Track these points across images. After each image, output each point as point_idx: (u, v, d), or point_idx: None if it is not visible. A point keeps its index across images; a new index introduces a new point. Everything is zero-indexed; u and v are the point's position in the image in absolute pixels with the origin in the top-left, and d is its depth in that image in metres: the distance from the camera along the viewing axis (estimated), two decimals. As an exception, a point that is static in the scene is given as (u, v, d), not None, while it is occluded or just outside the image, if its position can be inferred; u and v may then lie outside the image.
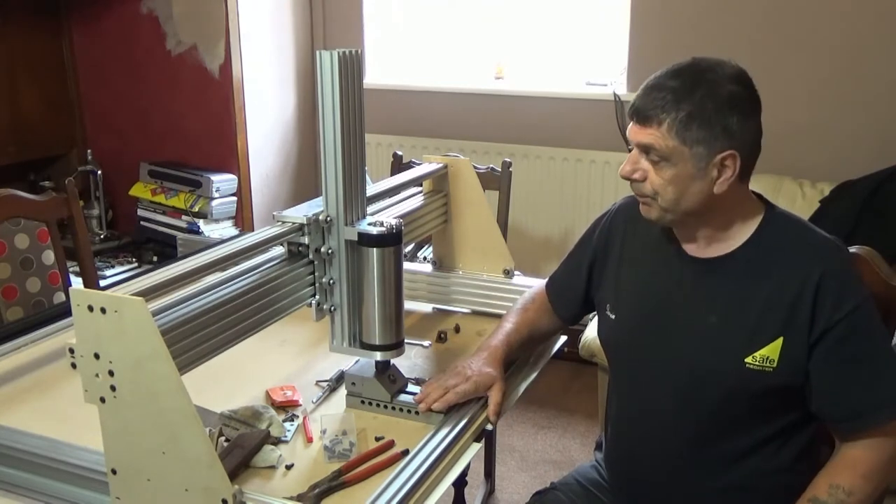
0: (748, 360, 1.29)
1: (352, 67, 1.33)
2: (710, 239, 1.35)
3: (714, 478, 1.38)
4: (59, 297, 2.17)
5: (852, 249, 1.52)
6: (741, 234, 1.34)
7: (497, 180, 2.55)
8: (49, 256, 2.17)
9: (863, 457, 1.29)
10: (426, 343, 1.71)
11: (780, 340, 1.28)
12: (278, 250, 1.38)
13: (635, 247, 1.46)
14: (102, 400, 1.08)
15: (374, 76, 3.75)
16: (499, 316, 1.83)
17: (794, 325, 1.28)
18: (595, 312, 1.57)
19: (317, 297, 1.41)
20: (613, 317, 1.47)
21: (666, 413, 1.39)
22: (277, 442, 1.33)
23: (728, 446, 1.36)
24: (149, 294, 1.10)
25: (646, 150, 1.28)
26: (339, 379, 1.53)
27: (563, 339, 1.78)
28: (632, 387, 1.47)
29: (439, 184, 1.89)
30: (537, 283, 1.71)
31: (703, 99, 1.24)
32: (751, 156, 1.29)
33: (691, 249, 1.38)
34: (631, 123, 1.31)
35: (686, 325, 1.36)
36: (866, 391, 1.28)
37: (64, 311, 1.76)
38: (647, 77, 1.33)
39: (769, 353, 1.29)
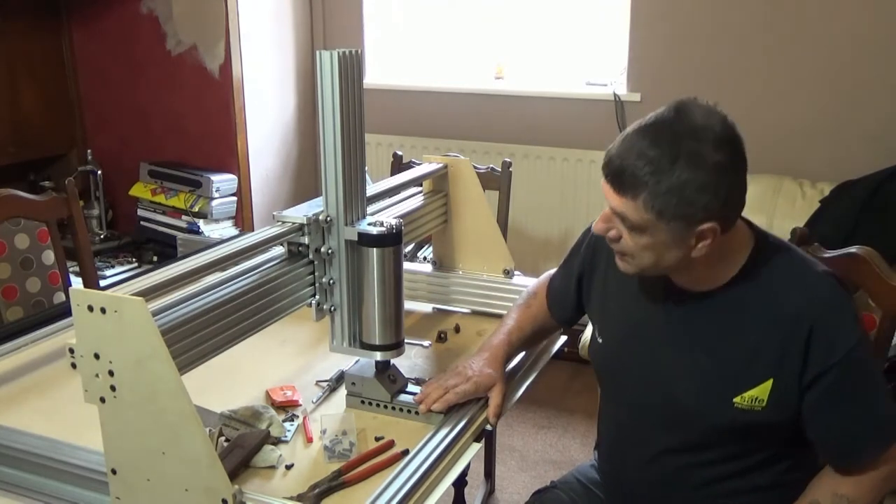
0: (737, 399, 1.26)
1: (352, 67, 1.33)
2: (696, 280, 1.29)
3: (702, 497, 1.36)
4: (59, 297, 2.17)
5: (852, 249, 1.52)
6: (730, 268, 1.26)
7: (497, 180, 2.55)
8: (49, 256, 2.17)
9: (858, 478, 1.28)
10: (426, 343, 1.71)
11: (770, 381, 1.24)
12: (278, 250, 1.38)
13: (612, 267, 1.38)
14: (102, 400, 1.08)
15: (374, 76, 3.75)
16: (499, 316, 1.83)
17: (785, 367, 1.24)
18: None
19: (317, 297, 1.41)
20: (601, 341, 1.44)
21: (649, 440, 1.37)
22: (277, 442, 1.33)
23: (714, 471, 1.34)
24: (149, 294, 1.10)
25: (619, 215, 1.21)
26: (339, 379, 1.53)
27: (564, 339, 1.78)
28: (618, 410, 1.46)
29: (439, 184, 1.89)
30: (539, 279, 1.69)
31: (684, 174, 1.13)
32: (733, 216, 1.22)
33: (679, 280, 1.30)
34: (603, 179, 1.21)
35: (672, 358, 1.32)
36: (859, 430, 1.26)
37: (64, 311, 1.76)
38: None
39: (759, 393, 1.25)
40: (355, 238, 1.37)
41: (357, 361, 1.47)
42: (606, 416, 1.51)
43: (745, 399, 1.26)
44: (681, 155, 1.14)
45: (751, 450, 1.32)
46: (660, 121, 1.18)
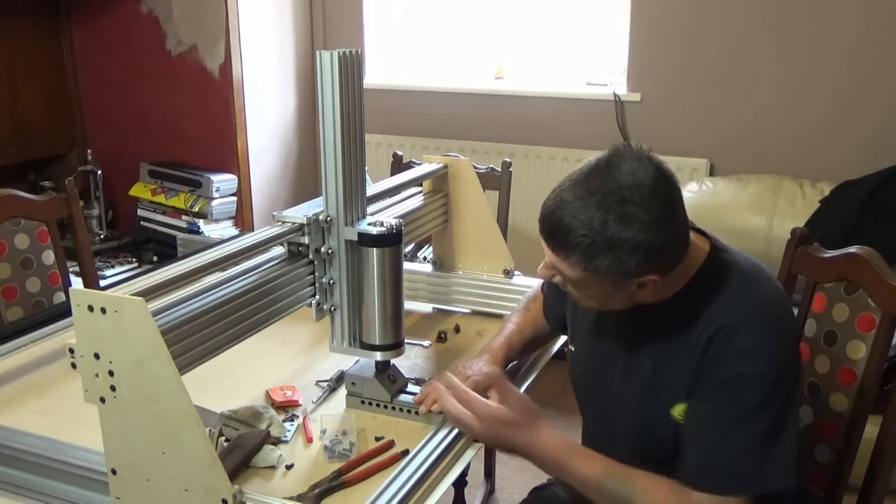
0: (674, 412, 1.26)
1: (352, 67, 1.33)
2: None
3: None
4: (59, 297, 2.17)
5: (852, 249, 1.52)
6: (677, 284, 1.25)
7: (497, 180, 2.55)
8: (49, 256, 2.17)
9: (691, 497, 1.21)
10: (426, 343, 1.70)
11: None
12: (278, 250, 1.38)
13: None
14: (102, 400, 1.08)
15: (374, 76, 3.75)
16: (499, 316, 1.83)
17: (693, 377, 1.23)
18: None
19: (317, 297, 1.41)
20: (573, 349, 1.46)
21: (616, 451, 1.32)
22: (277, 442, 1.33)
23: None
24: (149, 294, 1.10)
25: (557, 270, 1.22)
26: (339, 379, 1.53)
27: (564, 338, 1.78)
28: (587, 420, 1.47)
29: (439, 184, 1.89)
30: (540, 282, 1.69)
31: (615, 235, 1.12)
32: (672, 263, 1.20)
33: None
34: (541, 234, 1.22)
35: (623, 368, 1.33)
36: (707, 459, 1.21)
37: (64, 311, 1.76)
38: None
39: (685, 406, 1.25)
40: (355, 238, 1.37)
41: (357, 361, 1.47)
42: (584, 430, 1.51)
43: (678, 411, 1.25)
44: (611, 216, 1.12)
45: None
46: (592, 177, 1.16)
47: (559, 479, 1.32)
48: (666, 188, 1.16)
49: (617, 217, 1.12)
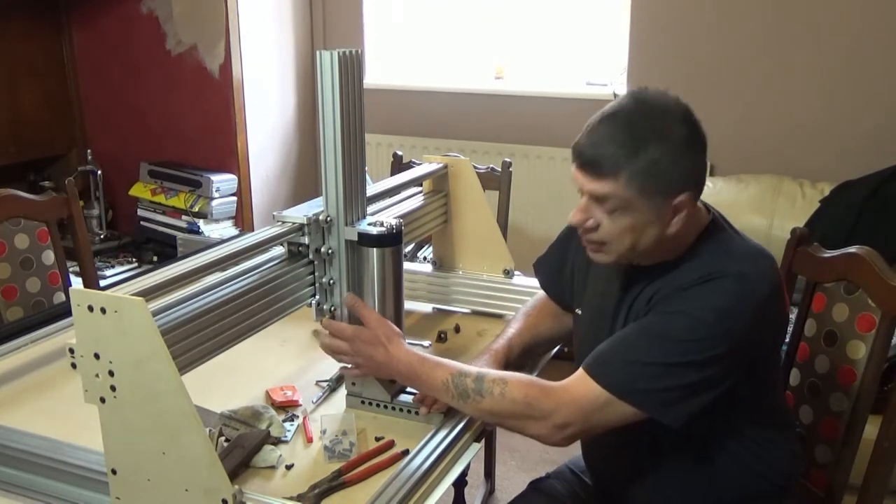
0: None
1: (352, 67, 1.33)
2: (653, 255, 1.31)
3: (685, 470, 1.37)
4: (59, 297, 2.17)
5: (852, 249, 1.52)
6: (679, 248, 1.31)
7: (497, 180, 2.55)
8: (49, 256, 2.17)
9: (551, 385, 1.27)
10: (426, 343, 1.71)
11: None
12: (278, 250, 1.39)
13: None
14: (102, 400, 1.08)
15: (374, 76, 3.75)
16: (499, 316, 1.83)
17: None
18: None
19: (317, 297, 1.41)
20: (579, 312, 1.50)
21: None
22: (277, 442, 1.33)
23: (686, 441, 1.33)
24: (149, 294, 1.10)
25: (600, 199, 1.25)
26: (339, 379, 1.53)
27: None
28: None
29: (439, 184, 1.89)
30: (540, 291, 1.69)
31: (656, 152, 1.21)
32: (701, 187, 1.28)
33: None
34: (577, 170, 1.27)
35: (608, 327, 1.36)
36: (609, 347, 1.26)
37: (64, 311, 1.76)
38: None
39: None
40: (355, 238, 1.37)
41: (357, 361, 1.47)
42: None
43: None
44: (650, 135, 1.21)
45: (699, 431, 1.30)
46: (622, 109, 1.26)
47: (419, 389, 1.37)
48: (691, 115, 1.26)
49: (656, 136, 1.21)
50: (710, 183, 3.00)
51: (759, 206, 2.83)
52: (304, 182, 3.83)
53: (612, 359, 1.25)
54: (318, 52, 1.32)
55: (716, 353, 1.21)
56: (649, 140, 1.21)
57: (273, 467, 1.26)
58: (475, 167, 1.92)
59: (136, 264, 3.31)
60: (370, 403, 1.43)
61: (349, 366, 1.41)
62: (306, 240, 1.36)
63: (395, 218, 1.41)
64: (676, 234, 1.27)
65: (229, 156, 3.42)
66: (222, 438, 1.32)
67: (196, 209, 3.29)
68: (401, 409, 1.41)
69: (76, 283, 2.33)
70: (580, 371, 1.26)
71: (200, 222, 3.28)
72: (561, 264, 1.58)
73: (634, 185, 1.21)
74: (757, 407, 1.36)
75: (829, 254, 1.58)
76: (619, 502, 1.45)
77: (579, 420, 1.24)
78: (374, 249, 1.36)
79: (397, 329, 1.37)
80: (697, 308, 1.22)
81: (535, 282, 1.77)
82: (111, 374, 1.06)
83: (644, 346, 1.24)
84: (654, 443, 1.35)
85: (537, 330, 1.60)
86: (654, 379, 1.21)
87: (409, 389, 1.44)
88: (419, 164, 1.98)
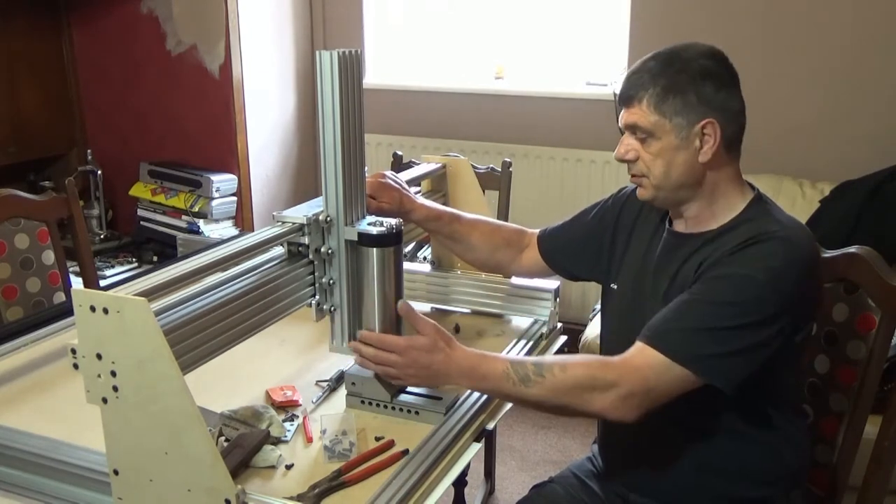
0: None
1: (352, 67, 1.33)
2: (696, 218, 1.38)
3: (698, 455, 1.38)
4: (59, 297, 2.18)
5: (852, 249, 1.52)
6: (723, 216, 1.36)
7: (497, 180, 2.55)
8: (49, 256, 2.17)
9: (611, 362, 1.28)
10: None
11: None
12: (278, 250, 1.39)
13: (639, 218, 1.52)
14: (105, 400, 1.08)
15: (374, 76, 3.75)
16: (499, 316, 1.83)
17: None
18: (596, 309, 1.57)
19: (317, 297, 1.41)
20: (615, 286, 1.52)
21: None
22: (277, 442, 1.33)
23: (700, 423, 1.35)
24: (151, 294, 1.10)
25: (633, 129, 1.35)
26: (339, 379, 1.53)
27: (563, 338, 1.78)
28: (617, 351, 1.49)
29: (438, 184, 1.89)
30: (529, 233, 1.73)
31: (677, 73, 1.31)
32: (732, 125, 1.34)
33: (677, 225, 1.42)
34: (620, 110, 1.38)
35: (651, 298, 1.39)
36: (663, 318, 1.28)
37: (64, 311, 1.76)
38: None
39: None
40: (355, 238, 1.37)
41: (357, 361, 1.47)
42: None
43: None
44: (674, 60, 1.33)
45: (733, 409, 1.33)
46: (657, 52, 1.37)
47: (479, 389, 1.38)
48: (722, 56, 1.36)
49: (681, 61, 1.32)
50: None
51: (758, 206, 2.83)
52: (304, 182, 3.83)
53: (669, 326, 1.27)
54: (317, 53, 1.32)
55: (767, 314, 1.24)
56: (670, 67, 1.32)
57: (273, 467, 1.26)
58: (475, 167, 1.92)
59: (136, 264, 3.32)
60: (370, 403, 1.43)
61: (366, 369, 1.39)
62: (306, 240, 1.36)
63: (395, 218, 1.42)
64: (715, 182, 1.34)
65: (229, 156, 3.42)
66: (222, 438, 1.32)
67: (196, 209, 3.29)
68: (401, 409, 1.41)
69: (76, 283, 2.34)
70: (638, 343, 1.28)
71: (200, 222, 3.28)
72: (585, 238, 1.60)
73: (653, 106, 1.31)
74: (782, 387, 1.37)
75: (829, 254, 1.58)
76: (634, 491, 1.46)
77: (642, 390, 1.25)
78: (374, 249, 1.36)
79: (449, 333, 1.37)
80: (747, 269, 1.25)
81: (534, 282, 1.77)
82: (113, 374, 1.06)
83: (699, 312, 1.26)
84: (667, 428, 1.36)
85: (491, 238, 1.67)
86: (713, 344, 1.24)
87: (409, 389, 1.44)
88: (419, 164, 1.98)
